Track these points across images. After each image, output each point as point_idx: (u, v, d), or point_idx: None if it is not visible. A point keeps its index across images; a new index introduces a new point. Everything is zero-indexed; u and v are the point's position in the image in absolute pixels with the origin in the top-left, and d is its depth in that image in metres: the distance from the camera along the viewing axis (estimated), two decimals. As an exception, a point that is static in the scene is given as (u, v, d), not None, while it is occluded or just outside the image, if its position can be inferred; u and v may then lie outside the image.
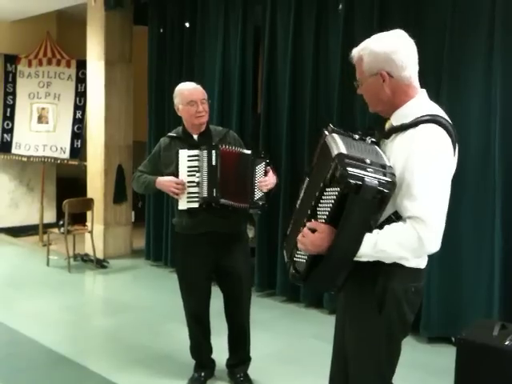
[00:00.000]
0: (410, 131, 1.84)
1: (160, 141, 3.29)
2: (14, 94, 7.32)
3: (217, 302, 3.28)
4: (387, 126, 1.98)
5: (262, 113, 5.08)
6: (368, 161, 1.75)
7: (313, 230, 1.83)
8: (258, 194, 3.04)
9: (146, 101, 6.21)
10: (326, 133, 1.97)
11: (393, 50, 1.87)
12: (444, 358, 3.43)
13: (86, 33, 6.45)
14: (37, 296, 5.10)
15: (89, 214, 6.27)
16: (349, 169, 1.70)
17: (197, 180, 3.03)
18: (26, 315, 4.55)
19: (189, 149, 3.06)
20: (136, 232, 6.74)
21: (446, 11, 3.90)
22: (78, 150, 7.10)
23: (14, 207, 7.83)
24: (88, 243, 6.28)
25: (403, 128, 1.87)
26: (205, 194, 3.00)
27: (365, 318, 1.98)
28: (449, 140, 1.83)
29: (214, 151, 3.01)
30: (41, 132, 7.20)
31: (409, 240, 1.78)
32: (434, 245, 1.80)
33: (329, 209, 1.79)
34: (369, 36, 1.97)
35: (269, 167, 3.10)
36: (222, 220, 3.06)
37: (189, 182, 3.04)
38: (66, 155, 7.13)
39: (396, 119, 1.92)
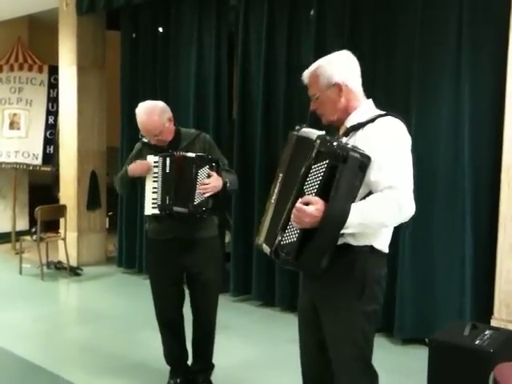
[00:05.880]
0: (369, 126, 2.03)
1: (135, 146, 3.29)
2: (-16, 100, 7.20)
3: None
4: (341, 130, 2.14)
5: (237, 116, 5.10)
6: (343, 140, 2.01)
7: (306, 204, 1.90)
8: (198, 199, 2.95)
9: (119, 106, 6.17)
10: (295, 132, 2.12)
11: (344, 63, 2.12)
12: (418, 359, 3.44)
13: (58, 38, 6.38)
14: (10, 305, 5.01)
15: (62, 221, 6.19)
16: (334, 143, 1.91)
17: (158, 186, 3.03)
18: (-1, 325, 4.48)
19: (155, 155, 3.05)
20: (110, 239, 6.68)
21: (415, 20, 3.96)
22: (51, 156, 7.01)
23: (-15, 215, 7.69)
24: (61, 251, 6.20)
25: (362, 125, 2.05)
26: (159, 202, 2.99)
27: (346, 305, 2.06)
28: (404, 126, 2.05)
29: (168, 158, 2.99)
30: (13, 138, 7.09)
31: (389, 205, 1.92)
32: (410, 208, 1.95)
33: (317, 184, 1.91)
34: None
35: (213, 171, 2.99)
36: (185, 226, 3.04)
37: (153, 187, 3.03)
38: (39, 161, 7.03)
39: (351, 122, 2.10)
